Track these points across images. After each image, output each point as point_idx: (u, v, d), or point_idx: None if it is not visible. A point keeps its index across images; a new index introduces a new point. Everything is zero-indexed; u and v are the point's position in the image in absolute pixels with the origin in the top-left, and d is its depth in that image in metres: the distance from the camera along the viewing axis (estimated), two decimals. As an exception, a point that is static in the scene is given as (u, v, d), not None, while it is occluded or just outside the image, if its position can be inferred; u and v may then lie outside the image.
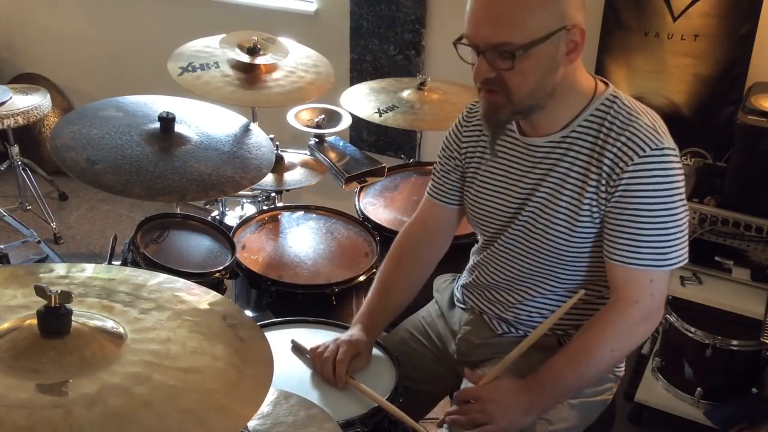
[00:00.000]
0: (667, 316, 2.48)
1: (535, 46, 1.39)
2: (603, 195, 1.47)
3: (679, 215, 1.45)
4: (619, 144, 1.45)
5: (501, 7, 1.39)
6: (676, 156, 1.45)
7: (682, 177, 1.46)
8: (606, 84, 1.54)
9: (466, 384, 1.63)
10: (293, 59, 2.63)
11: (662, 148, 1.43)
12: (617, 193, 1.45)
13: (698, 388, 2.44)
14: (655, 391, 2.56)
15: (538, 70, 1.42)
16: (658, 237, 1.44)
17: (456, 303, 1.80)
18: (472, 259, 1.77)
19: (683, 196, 1.46)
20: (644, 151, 1.43)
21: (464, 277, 1.79)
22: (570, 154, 1.51)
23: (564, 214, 1.52)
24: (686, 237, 1.48)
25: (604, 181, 1.47)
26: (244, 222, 2.34)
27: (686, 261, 1.49)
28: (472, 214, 1.70)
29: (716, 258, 2.41)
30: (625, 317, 1.49)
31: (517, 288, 1.64)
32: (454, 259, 1.85)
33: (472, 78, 1.47)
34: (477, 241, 1.77)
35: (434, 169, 1.77)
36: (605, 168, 1.46)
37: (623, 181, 1.44)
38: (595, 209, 1.49)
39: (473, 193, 1.67)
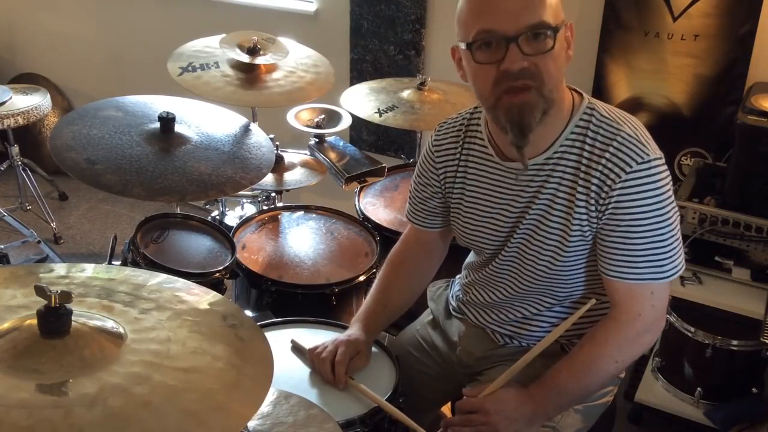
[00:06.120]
0: (667, 316, 2.48)
1: (560, 31, 1.37)
2: (593, 213, 1.44)
3: (672, 224, 1.43)
4: (604, 161, 1.42)
5: None
6: (662, 164, 1.42)
7: (671, 185, 1.44)
8: (581, 95, 1.51)
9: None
10: (293, 59, 2.63)
11: (649, 160, 1.40)
12: (608, 211, 1.42)
13: (698, 388, 2.44)
14: (655, 391, 2.56)
15: (561, 57, 1.40)
16: (654, 250, 1.42)
17: (452, 312, 1.78)
18: (465, 275, 1.74)
19: (674, 204, 1.44)
20: (631, 166, 1.40)
21: (459, 291, 1.77)
22: (555, 175, 1.48)
23: (556, 234, 1.49)
24: (681, 244, 1.46)
25: (593, 200, 1.44)
26: (244, 222, 2.34)
27: (684, 269, 1.47)
28: (464, 240, 1.67)
29: (716, 258, 2.41)
30: (628, 330, 1.47)
31: (516, 306, 1.63)
32: (449, 263, 1.84)
33: (492, 82, 1.37)
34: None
35: (411, 195, 1.74)
36: (593, 186, 1.43)
37: (613, 199, 1.41)
38: (585, 227, 1.46)
39: (461, 221, 1.64)
